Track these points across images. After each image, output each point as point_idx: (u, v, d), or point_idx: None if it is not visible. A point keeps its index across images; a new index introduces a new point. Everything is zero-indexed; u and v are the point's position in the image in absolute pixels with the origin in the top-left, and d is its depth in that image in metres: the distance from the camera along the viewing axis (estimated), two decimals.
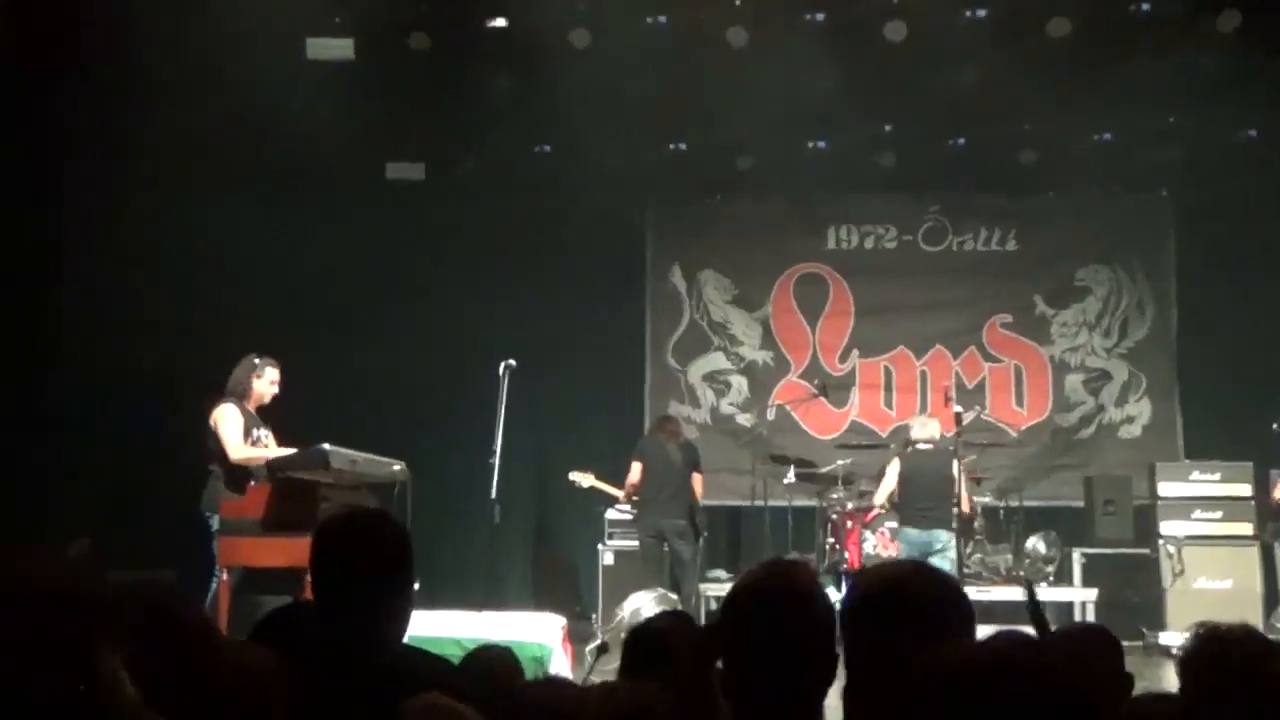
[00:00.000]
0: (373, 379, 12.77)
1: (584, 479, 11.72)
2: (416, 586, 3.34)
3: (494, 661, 3.84)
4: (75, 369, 11.51)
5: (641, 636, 3.26)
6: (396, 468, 8.08)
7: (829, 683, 2.64)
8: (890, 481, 10.82)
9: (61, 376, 11.45)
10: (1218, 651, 2.88)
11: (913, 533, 10.36)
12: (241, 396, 8.38)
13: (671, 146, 12.81)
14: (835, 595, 2.60)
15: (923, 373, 13.31)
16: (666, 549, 10.89)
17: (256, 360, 8.45)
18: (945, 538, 10.14)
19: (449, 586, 11.43)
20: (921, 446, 10.65)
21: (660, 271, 13.58)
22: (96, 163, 11.24)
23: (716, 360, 13.47)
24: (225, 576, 7.49)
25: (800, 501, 12.23)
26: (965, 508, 10.34)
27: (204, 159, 11.15)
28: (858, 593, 2.55)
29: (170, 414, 10.83)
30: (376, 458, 7.98)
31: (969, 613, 2.51)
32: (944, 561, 9.85)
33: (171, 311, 11.65)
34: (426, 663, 3.23)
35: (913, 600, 2.43)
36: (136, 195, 11.22)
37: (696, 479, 11.01)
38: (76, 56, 10.47)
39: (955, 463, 10.01)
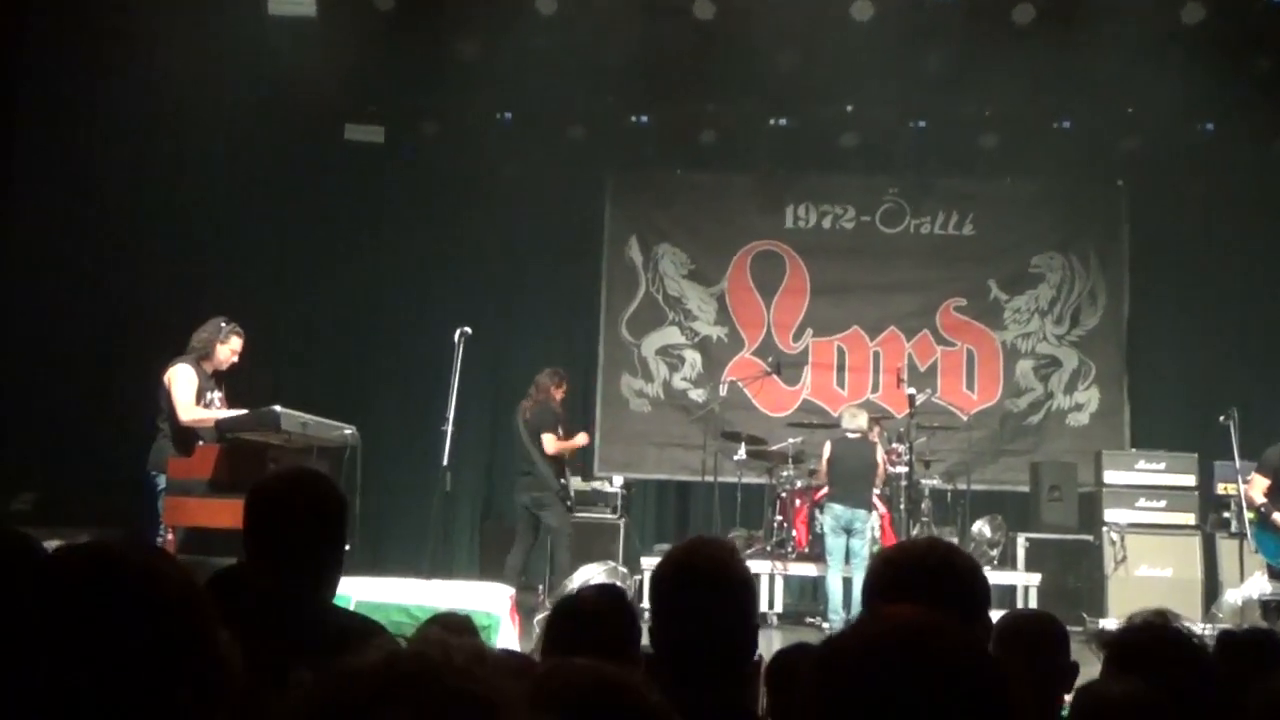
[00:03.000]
0: (325, 343, 12.79)
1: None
2: (348, 548, 3.33)
3: (451, 630, 3.78)
4: (15, 316, 11.23)
5: (568, 611, 3.18)
6: (347, 432, 8.04)
7: (749, 657, 2.71)
8: (822, 463, 11.23)
9: (7, 325, 11.24)
10: (1133, 639, 2.97)
11: (838, 508, 10.83)
12: (202, 357, 8.25)
13: (634, 119, 12.82)
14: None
15: (875, 354, 13.36)
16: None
17: (224, 324, 8.31)
18: (865, 516, 10.81)
19: (397, 553, 11.75)
20: (850, 435, 10.95)
21: (617, 243, 13.56)
22: (49, 106, 11.06)
23: (671, 334, 13.48)
24: (170, 536, 7.42)
25: (750, 479, 12.24)
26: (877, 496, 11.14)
27: (157, 110, 11.02)
28: (877, 568, 2.62)
29: (116, 368, 10.90)
30: (327, 421, 7.96)
31: (985, 589, 2.58)
32: (863, 539, 10.74)
33: (119, 265, 11.42)
34: (359, 624, 3.21)
35: (931, 575, 2.50)
36: (87, 141, 11.06)
37: (547, 440, 10.28)
38: (29, 5, 10.40)
39: (879, 450, 11.06)
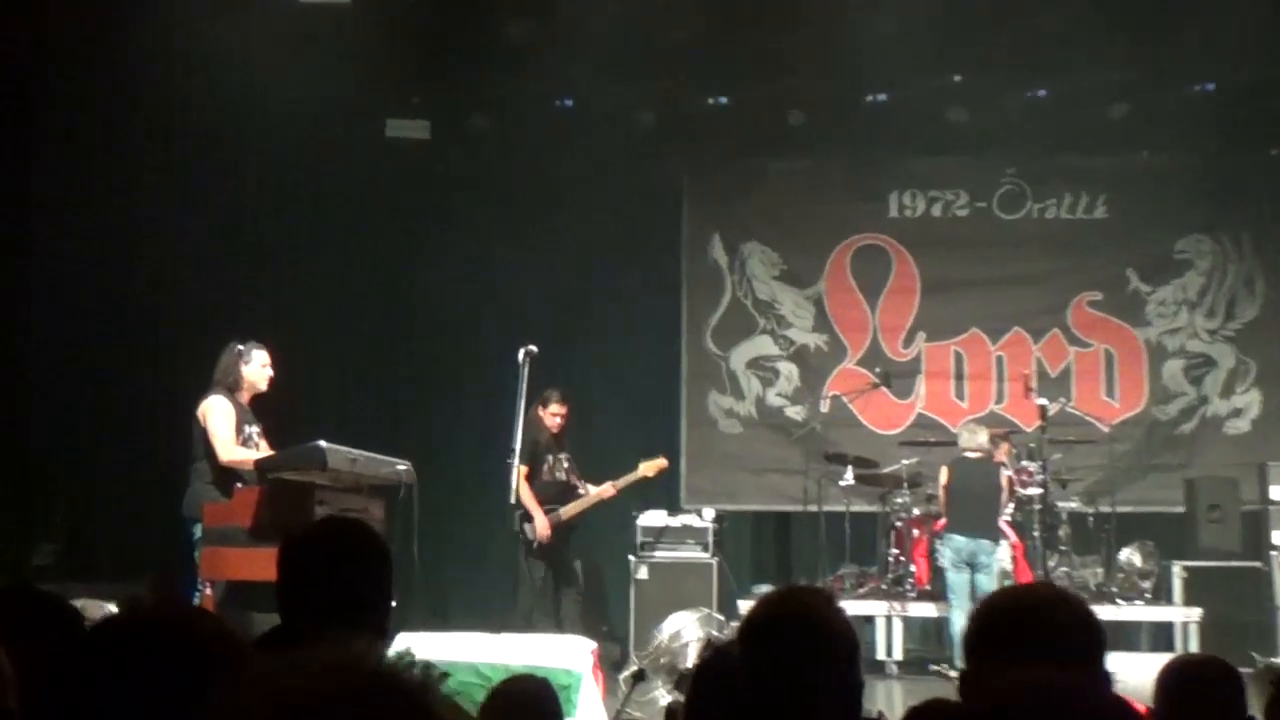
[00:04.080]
0: (372, 369, 12.91)
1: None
2: (395, 604, 3.40)
3: (528, 696, 3.73)
4: (45, 352, 11.62)
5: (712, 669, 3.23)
6: (401, 467, 8.09)
7: (853, 717, 2.81)
8: (940, 489, 11.23)
9: (30, 358, 11.64)
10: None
11: (958, 539, 10.82)
12: (232, 388, 8.29)
13: (711, 100, 12.81)
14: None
15: (999, 358, 13.27)
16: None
17: (240, 346, 8.36)
18: (989, 547, 10.77)
19: (462, 604, 11.77)
20: (970, 455, 10.97)
21: (699, 244, 13.55)
22: (69, 124, 11.43)
23: (763, 344, 13.45)
24: (209, 591, 7.47)
25: (860, 507, 12.20)
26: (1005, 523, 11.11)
27: (166, 124, 11.41)
28: (984, 615, 2.68)
29: (143, 406, 11.22)
30: (378, 456, 7.99)
31: (1100, 638, 2.62)
32: (990, 574, 10.65)
33: (143, 293, 11.75)
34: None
35: (1042, 623, 2.53)
36: (110, 156, 11.36)
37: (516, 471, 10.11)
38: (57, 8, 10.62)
39: (1004, 470, 10.99)
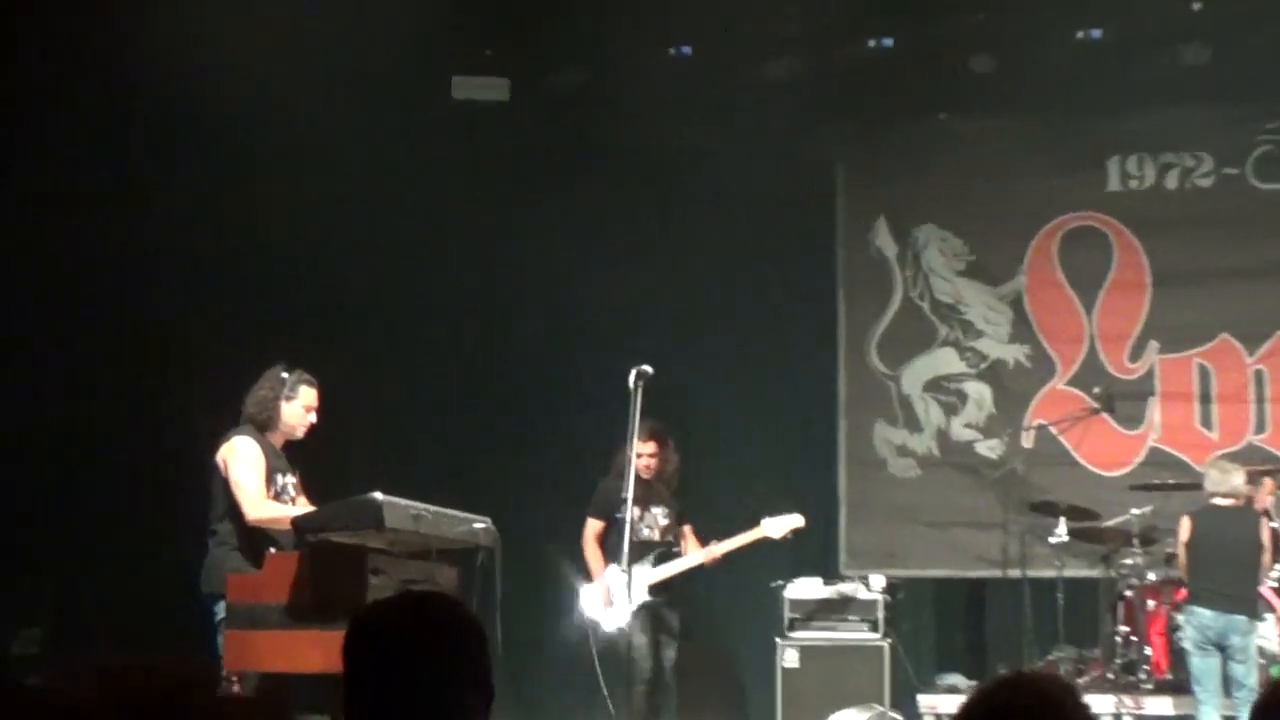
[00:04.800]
0: (441, 396, 12.94)
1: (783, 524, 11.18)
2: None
3: None
4: (24, 380, 11.82)
5: None
6: (479, 526, 8.15)
7: None
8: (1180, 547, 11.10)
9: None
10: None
11: (1205, 614, 10.72)
12: (264, 426, 8.36)
13: (871, 42, 12.75)
14: None
15: (1257, 373, 13.13)
16: None
17: (285, 375, 8.45)
18: (1245, 624, 10.67)
19: (554, 694, 11.87)
20: (1220, 502, 10.85)
21: (858, 229, 13.52)
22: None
23: (945, 360, 13.42)
24: (236, 686, 7.49)
25: (1076, 571, 12.13)
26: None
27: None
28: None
29: (156, 451, 11.43)
30: (450, 511, 8.02)
31: None
32: (1246, 660, 10.57)
33: (155, 301, 12.04)
34: None
35: None
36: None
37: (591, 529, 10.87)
38: None
39: (1264, 525, 10.78)
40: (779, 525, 10.84)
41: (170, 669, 3.45)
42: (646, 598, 10.46)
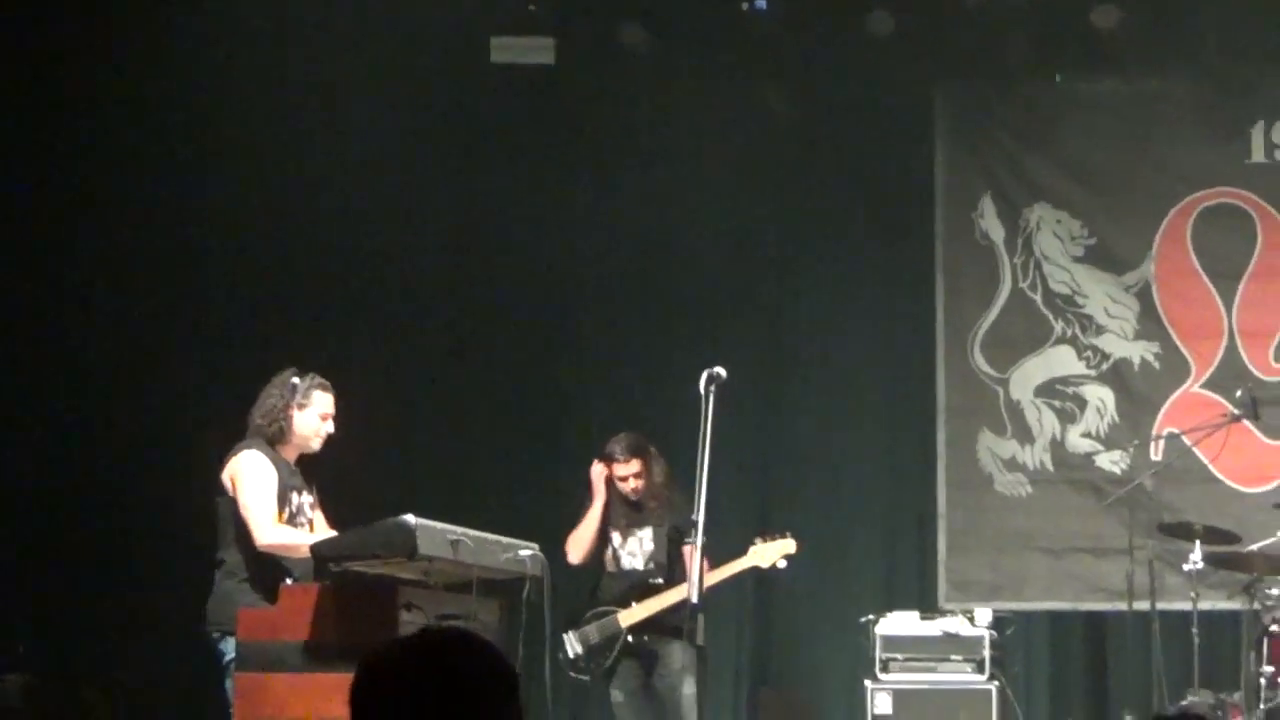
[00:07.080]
0: (482, 404, 12.73)
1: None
2: None
3: None
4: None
5: None
6: (525, 553, 8.21)
7: None
8: None
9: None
10: None
11: None
12: (274, 439, 8.31)
13: None
14: None
15: None
16: None
17: (295, 380, 8.38)
18: None
19: None
20: None
21: (960, 209, 13.02)
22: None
23: (1061, 359, 12.84)
24: None
25: (1213, 603, 11.66)
26: None
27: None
28: None
29: (153, 469, 11.47)
30: (492, 537, 8.10)
31: None
32: None
33: (152, 293, 11.99)
34: None
35: None
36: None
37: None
38: None
39: None
40: (768, 552, 10.42)
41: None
42: (628, 640, 10.33)
